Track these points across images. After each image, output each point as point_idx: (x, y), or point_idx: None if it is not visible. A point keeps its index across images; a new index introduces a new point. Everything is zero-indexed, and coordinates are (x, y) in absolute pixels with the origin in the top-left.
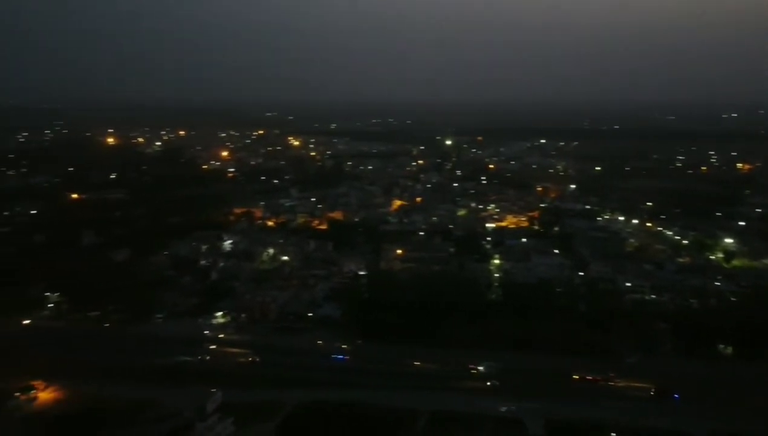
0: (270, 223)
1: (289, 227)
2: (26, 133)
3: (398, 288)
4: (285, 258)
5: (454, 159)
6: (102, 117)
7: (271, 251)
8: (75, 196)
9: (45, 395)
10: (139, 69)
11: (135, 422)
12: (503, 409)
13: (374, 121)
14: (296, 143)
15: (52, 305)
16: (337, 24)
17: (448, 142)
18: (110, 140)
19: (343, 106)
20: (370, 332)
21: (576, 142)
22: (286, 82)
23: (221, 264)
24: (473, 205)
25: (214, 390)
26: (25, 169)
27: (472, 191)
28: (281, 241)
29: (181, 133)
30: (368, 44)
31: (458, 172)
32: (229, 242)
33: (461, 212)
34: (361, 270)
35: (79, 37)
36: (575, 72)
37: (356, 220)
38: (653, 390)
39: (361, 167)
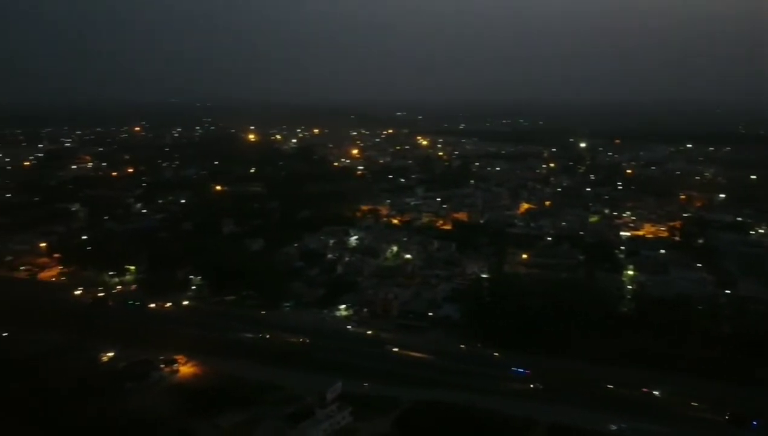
0: (395, 221)
1: (414, 225)
2: (180, 129)
3: (522, 294)
4: (408, 256)
5: (587, 162)
6: (245, 115)
7: (395, 248)
8: (218, 187)
9: (185, 369)
10: (282, 70)
11: (261, 402)
12: (614, 428)
13: (504, 121)
14: (424, 143)
15: (194, 287)
16: (458, 26)
17: (582, 145)
18: (251, 137)
19: (472, 106)
20: (491, 336)
21: (728, 148)
22: (414, 83)
23: (347, 259)
24: (607, 211)
25: (335, 379)
26: (177, 162)
27: (607, 197)
28: (405, 239)
29: (316, 131)
30: (494, 44)
31: (592, 177)
32: (355, 237)
33: (593, 218)
34: (483, 273)
35: (228, 39)
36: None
37: (481, 221)
38: None
39: (489, 168)
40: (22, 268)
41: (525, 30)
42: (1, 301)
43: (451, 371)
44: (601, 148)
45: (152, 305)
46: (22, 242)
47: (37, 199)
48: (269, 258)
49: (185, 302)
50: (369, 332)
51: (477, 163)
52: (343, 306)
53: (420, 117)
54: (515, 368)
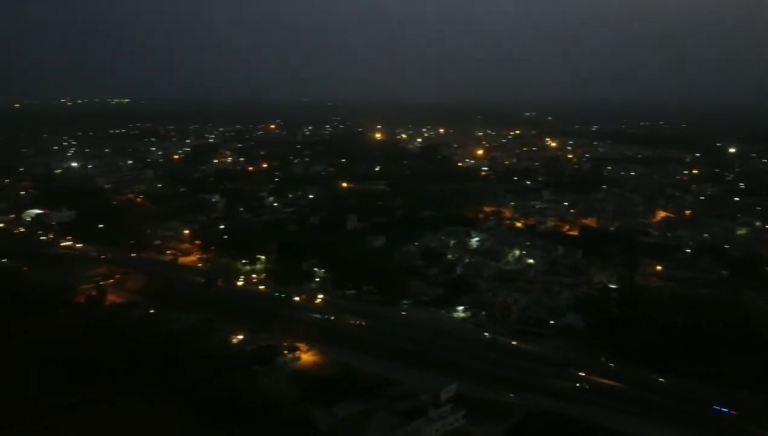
0: (518, 224)
1: (538, 229)
2: (311, 128)
3: (654, 307)
4: (530, 261)
5: (737, 169)
6: (373, 114)
7: (516, 252)
8: (344, 184)
9: (306, 356)
10: (413, 70)
11: (376, 396)
12: None
13: (642, 123)
14: (553, 145)
15: (318, 279)
16: (591, 24)
17: (732, 150)
18: (378, 136)
19: (606, 106)
20: (617, 350)
21: None
22: (543, 82)
23: (467, 260)
24: (758, 223)
25: (450, 380)
26: (308, 159)
27: (759, 208)
28: (528, 243)
29: (441, 131)
30: (633, 40)
31: (741, 185)
32: (477, 239)
33: (741, 231)
34: (612, 283)
35: (360, 39)
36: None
37: (611, 229)
38: None
39: (622, 173)
40: (167, 252)
41: (670, 28)
42: (149, 281)
43: (574, 382)
44: (754, 155)
45: (297, 298)
46: (169, 228)
47: (183, 189)
48: (390, 255)
49: (319, 296)
50: (487, 335)
51: (609, 167)
52: (461, 307)
53: (549, 118)
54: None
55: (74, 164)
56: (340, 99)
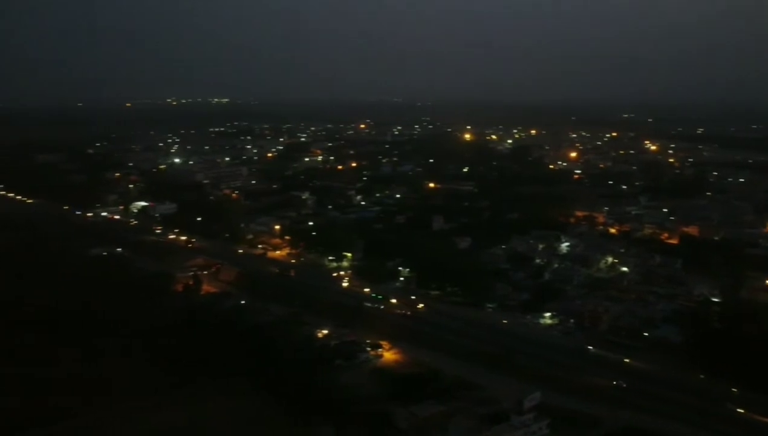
0: (612, 230)
1: (633, 236)
2: (400, 127)
3: (763, 324)
4: (624, 269)
5: None
6: (463, 114)
7: (609, 259)
8: (432, 184)
9: (388, 354)
10: (502, 69)
11: (457, 398)
12: None
13: (754, 127)
14: (653, 148)
15: (402, 278)
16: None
17: None
18: (467, 136)
19: (712, 107)
20: (717, 368)
21: None
22: (646, 82)
23: (555, 265)
24: None
25: (533, 388)
26: (396, 158)
27: None
28: (622, 250)
29: (533, 132)
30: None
31: None
32: (567, 244)
33: None
34: (714, 296)
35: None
36: None
37: (715, 238)
38: None
39: (730, 179)
40: (259, 246)
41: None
42: (241, 273)
43: (669, 398)
44: None
45: (393, 301)
46: (261, 223)
47: (275, 186)
48: (475, 257)
49: (405, 295)
50: (574, 344)
51: (715, 173)
52: (548, 314)
53: (650, 120)
54: None
55: (177, 160)
56: (430, 99)
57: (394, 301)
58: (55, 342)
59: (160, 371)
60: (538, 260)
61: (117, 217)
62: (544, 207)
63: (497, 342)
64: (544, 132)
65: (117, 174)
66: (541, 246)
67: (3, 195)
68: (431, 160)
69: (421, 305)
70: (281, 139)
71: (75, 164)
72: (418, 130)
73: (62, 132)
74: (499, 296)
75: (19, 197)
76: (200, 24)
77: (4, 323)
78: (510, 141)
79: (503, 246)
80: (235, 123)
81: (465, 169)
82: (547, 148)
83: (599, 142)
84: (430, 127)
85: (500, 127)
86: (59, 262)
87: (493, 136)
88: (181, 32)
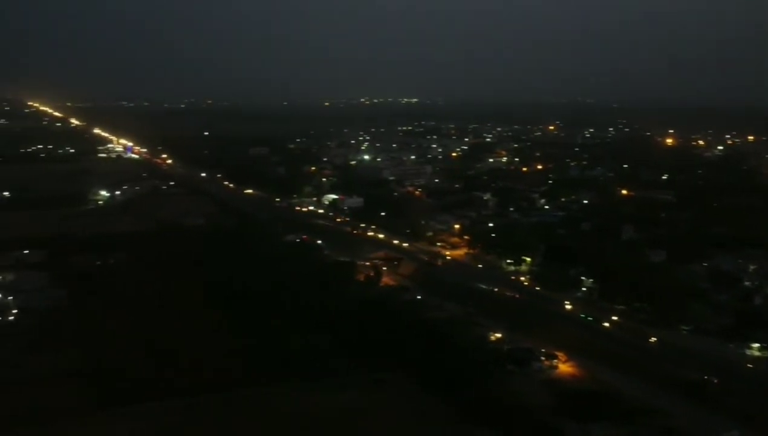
0: None
1: None
2: (591, 130)
3: None
4: None
5: None
6: (664, 117)
7: None
8: (624, 191)
9: (563, 366)
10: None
11: (637, 423)
12: None
13: None
14: None
15: (584, 288)
16: None
17: None
18: (668, 141)
19: None
20: None
21: None
22: None
23: None
24: None
25: (731, 425)
26: (585, 162)
27: None
28: None
29: (749, 138)
30: None
31: None
32: None
33: None
34: None
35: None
36: None
37: None
38: None
39: None
40: (438, 243)
41: None
42: (419, 268)
43: None
44: None
45: (606, 324)
46: (442, 221)
47: (457, 186)
48: (669, 273)
49: (586, 306)
50: None
51: None
52: (756, 344)
53: None
54: None
55: (366, 157)
56: (628, 100)
57: (570, 307)
58: (245, 317)
59: (333, 354)
60: (747, 283)
61: (311, 207)
62: (759, 223)
63: (690, 368)
64: (764, 138)
65: (313, 168)
66: (752, 267)
67: (223, 184)
68: (625, 166)
69: (604, 320)
70: (466, 139)
71: (277, 157)
72: (612, 133)
73: (271, 128)
74: (695, 318)
75: (232, 185)
76: (396, 26)
77: (207, 298)
78: (720, 148)
79: (705, 263)
80: (423, 122)
81: (664, 177)
82: (767, 156)
83: None
84: (626, 130)
85: (709, 131)
86: (259, 245)
87: (700, 142)
88: (378, 33)
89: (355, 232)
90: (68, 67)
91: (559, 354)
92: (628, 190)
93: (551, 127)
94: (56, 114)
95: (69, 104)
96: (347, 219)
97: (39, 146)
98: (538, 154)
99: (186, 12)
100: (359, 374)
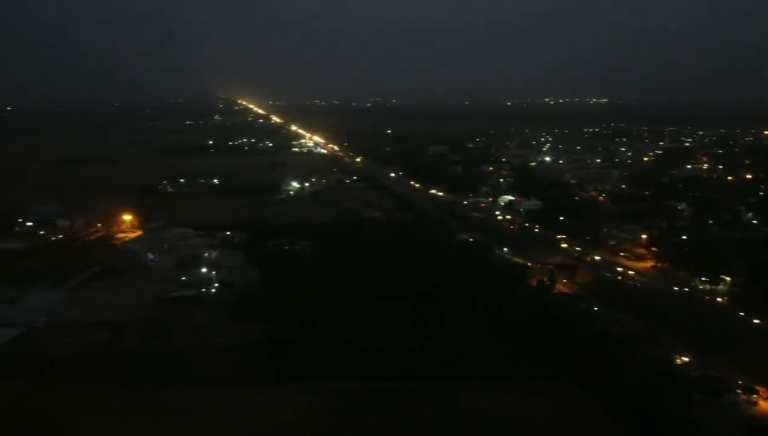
0: None
1: None
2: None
3: None
4: None
5: None
6: None
7: None
8: None
9: (765, 404)
10: None
11: None
12: None
13: None
14: None
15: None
16: None
17: None
18: None
19: None
20: None
21: None
22: None
23: None
24: None
25: None
26: None
27: None
28: None
29: None
30: None
31: None
32: None
33: None
34: None
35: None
36: None
37: None
38: None
39: None
40: (621, 254)
41: None
42: (597, 278)
43: None
44: None
45: None
46: (626, 230)
47: (647, 193)
48: None
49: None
50: None
51: None
52: None
53: None
54: None
55: (547, 158)
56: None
57: None
58: (421, 310)
59: (508, 357)
60: None
61: (486, 206)
62: None
63: None
64: None
65: (490, 168)
66: None
67: (402, 180)
68: None
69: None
70: (660, 143)
71: (456, 156)
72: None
73: (451, 127)
74: None
75: (410, 182)
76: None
77: (384, 289)
78: None
79: None
80: (612, 124)
81: None
82: None
83: None
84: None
85: None
86: (433, 242)
87: None
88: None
89: (530, 235)
90: (271, 68)
91: (761, 389)
92: None
93: (766, 132)
94: (259, 111)
95: (270, 102)
96: (523, 221)
97: (244, 140)
98: (747, 161)
99: (391, 18)
100: (533, 380)
